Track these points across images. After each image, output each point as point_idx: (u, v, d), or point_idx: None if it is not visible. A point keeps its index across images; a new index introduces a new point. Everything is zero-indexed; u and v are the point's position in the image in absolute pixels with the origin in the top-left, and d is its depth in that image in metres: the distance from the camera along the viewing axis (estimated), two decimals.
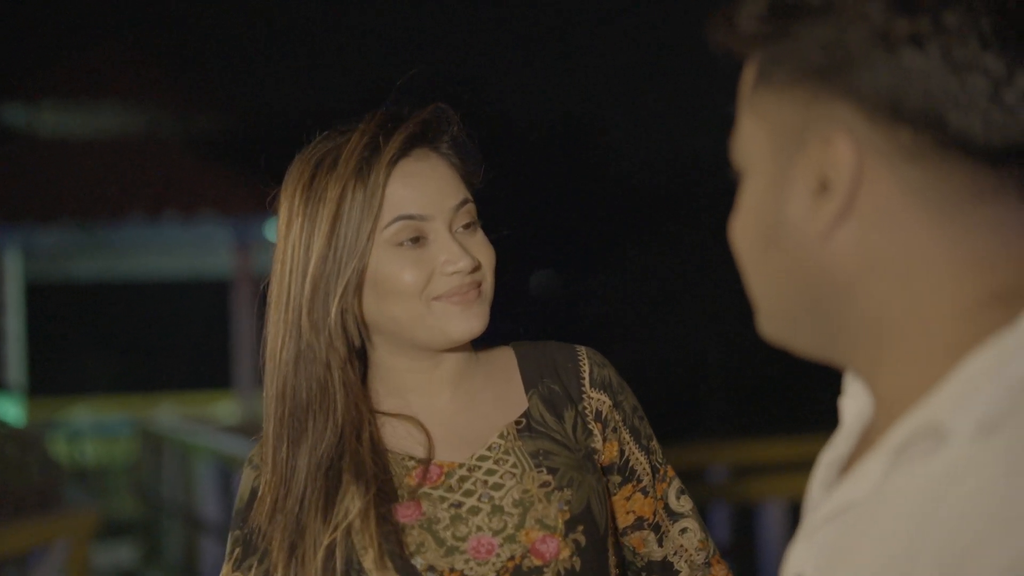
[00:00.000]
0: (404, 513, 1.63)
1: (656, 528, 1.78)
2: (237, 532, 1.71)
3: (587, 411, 1.75)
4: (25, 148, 13.68)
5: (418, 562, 1.61)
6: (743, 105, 0.93)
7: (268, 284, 1.69)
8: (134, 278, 16.38)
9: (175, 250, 14.29)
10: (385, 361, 1.70)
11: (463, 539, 1.63)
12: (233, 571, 1.69)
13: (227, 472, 7.72)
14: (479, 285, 1.67)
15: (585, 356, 1.79)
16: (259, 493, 1.68)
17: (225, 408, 14.44)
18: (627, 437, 1.77)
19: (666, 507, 1.79)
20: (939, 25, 0.83)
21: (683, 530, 1.78)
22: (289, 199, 1.66)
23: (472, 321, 1.65)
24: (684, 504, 1.80)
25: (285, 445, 1.65)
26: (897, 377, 0.87)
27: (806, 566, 0.90)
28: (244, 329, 13.10)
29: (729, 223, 0.95)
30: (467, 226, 1.68)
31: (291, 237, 1.65)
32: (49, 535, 5.32)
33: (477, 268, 1.66)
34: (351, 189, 1.61)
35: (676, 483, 1.81)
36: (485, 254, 1.68)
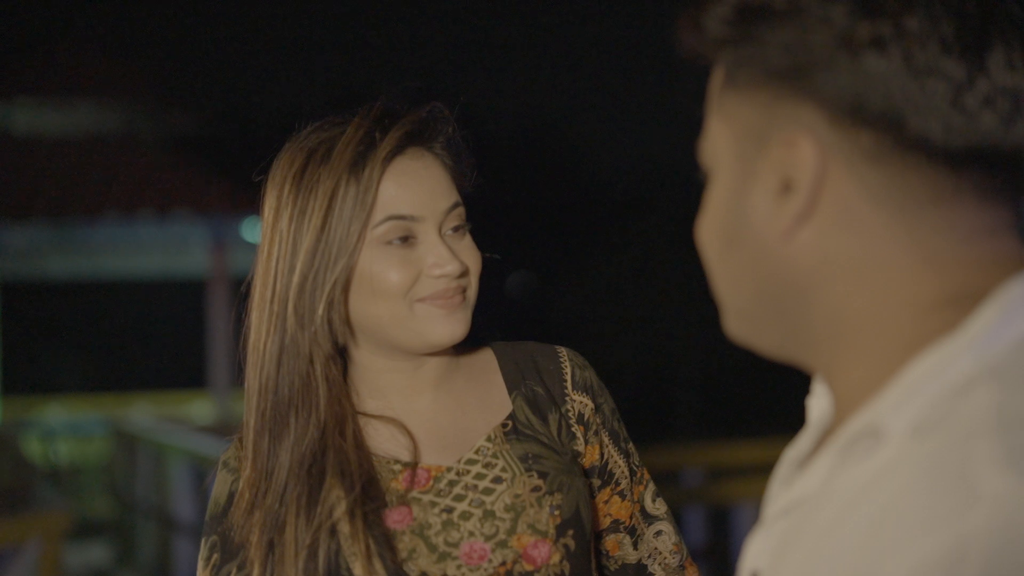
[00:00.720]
0: (394, 518, 1.61)
1: (632, 531, 1.77)
2: (214, 537, 1.66)
3: (570, 414, 1.74)
4: (0, 146, 13.61)
5: (410, 569, 1.59)
6: (710, 107, 0.95)
7: (252, 275, 1.66)
8: (109, 277, 16.30)
9: (150, 249, 14.23)
10: (367, 361, 1.68)
11: (455, 545, 1.61)
12: None
13: (201, 472, 7.70)
14: (464, 291, 1.65)
15: (566, 358, 1.77)
16: (239, 491, 1.64)
17: (200, 408, 14.40)
18: (607, 440, 1.76)
19: (642, 510, 1.78)
20: (900, 30, 0.84)
21: (658, 533, 1.78)
22: (278, 187, 1.63)
23: (454, 326, 1.63)
24: (659, 507, 1.79)
25: (266, 440, 1.62)
26: (852, 376, 0.88)
27: (760, 560, 0.91)
28: (219, 329, 13.06)
29: (696, 223, 0.96)
30: (456, 229, 1.66)
31: (279, 227, 1.62)
32: (21, 535, 5.29)
33: (464, 273, 1.64)
34: (344, 183, 1.59)
35: (651, 486, 1.80)
36: (472, 259, 1.66)
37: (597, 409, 1.75)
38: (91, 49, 14.69)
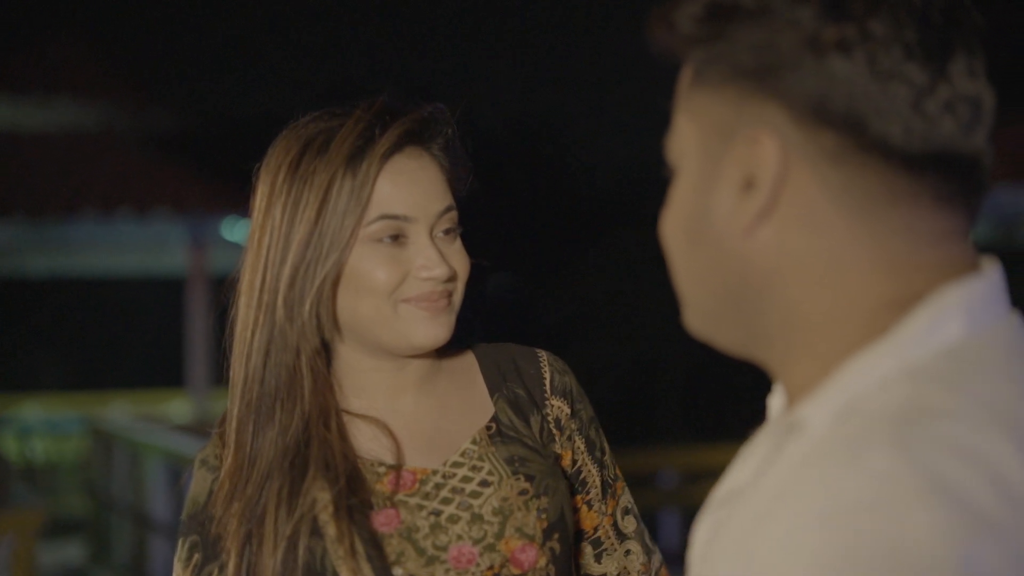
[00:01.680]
0: (381, 521, 1.59)
1: (596, 543, 1.76)
2: (194, 537, 1.64)
3: (549, 417, 1.73)
4: None
5: (398, 572, 1.57)
6: (678, 104, 0.96)
7: (241, 264, 1.64)
8: (87, 275, 16.25)
9: (129, 248, 14.20)
10: (351, 358, 1.66)
11: (443, 548, 1.60)
12: None
13: (177, 471, 7.69)
14: (449, 295, 1.64)
15: (546, 362, 1.76)
16: (219, 481, 1.62)
17: (178, 407, 14.36)
18: (581, 447, 1.75)
19: (614, 524, 1.77)
20: (866, 34, 0.86)
21: (627, 552, 1.77)
22: (273, 174, 1.61)
23: (437, 330, 1.62)
24: (628, 525, 1.78)
25: (250, 430, 1.60)
26: (799, 374, 0.90)
27: (698, 548, 0.94)
28: (198, 328, 13.03)
29: (660, 218, 0.98)
30: (448, 232, 1.64)
31: (272, 215, 1.60)
32: None
33: (452, 278, 1.63)
34: (340, 177, 1.57)
35: (625, 501, 1.78)
36: (461, 264, 1.65)
37: (574, 415, 1.74)
38: (71, 46, 14.65)
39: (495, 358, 1.76)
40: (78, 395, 15.49)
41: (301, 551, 1.55)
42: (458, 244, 1.66)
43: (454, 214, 1.65)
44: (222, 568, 1.60)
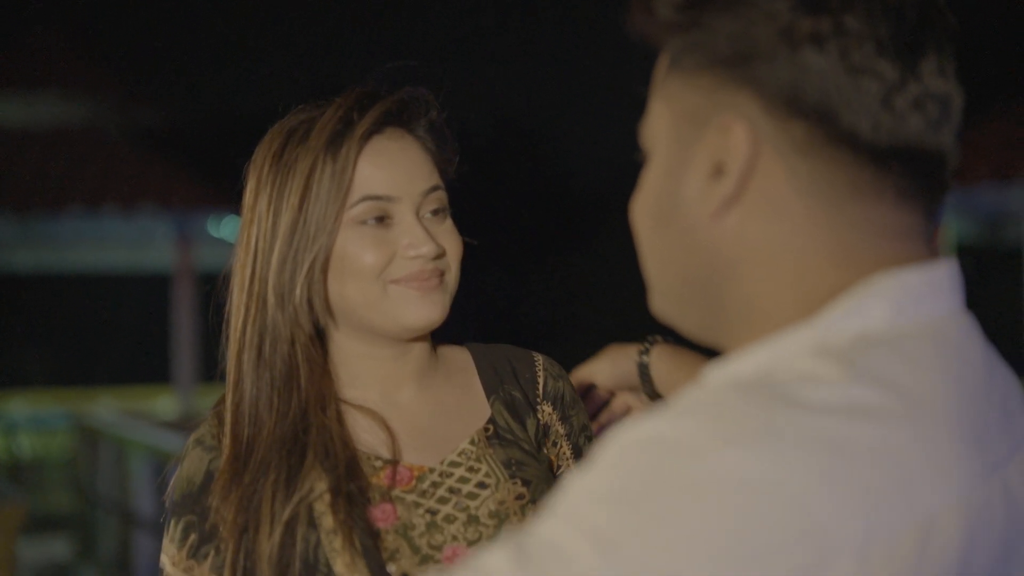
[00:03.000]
0: (378, 516, 1.57)
1: None
2: (190, 517, 1.60)
3: (541, 422, 1.72)
4: None
5: (392, 569, 1.55)
6: (654, 90, 0.98)
7: (233, 261, 1.64)
8: (73, 271, 16.23)
9: (115, 243, 14.18)
10: (347, 345, 1.65)
11: (438, 548, 1.58)
12: (188, 558, 1.59)
13: (162, 468, 7.68)
14: (442, 275, 1.61)
15: (542, 366, 1.75)
16: (218, 470, 1.59)
17: (164, 403, 14.34)
18: (567, 453, 1.73)
19: None
20: (840, 27, 0.88)
21: None
22: (258, 169, 1.61)
23: (430, 309, 1.60)
24: None
25: (247, 420, 1.59)
26: None
27: None
28: (184, 324, 13.02)
29: (630, 202, 1.00)
30: (436, 212, 1.63)
31: (259, 208, 1.60)
32: None
33: (441, 255, 1.61)
34: (321, 162, 1.57)
35: None
36: (451, 243, 1.63)
37: (563, 420, 1.73)
38: (56, 41, 14.62)
39: (491, 359, 1.75)
40: (64, 391, 15.46)
41: (299, 537, 1.53)
42: (448, 224, 1.64)
43: (441, 194, 1.64)
44: (219, 551, 1.58)
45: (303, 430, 1.58)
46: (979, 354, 0.91)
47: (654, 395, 1.85)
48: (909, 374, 0.85)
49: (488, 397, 1.71)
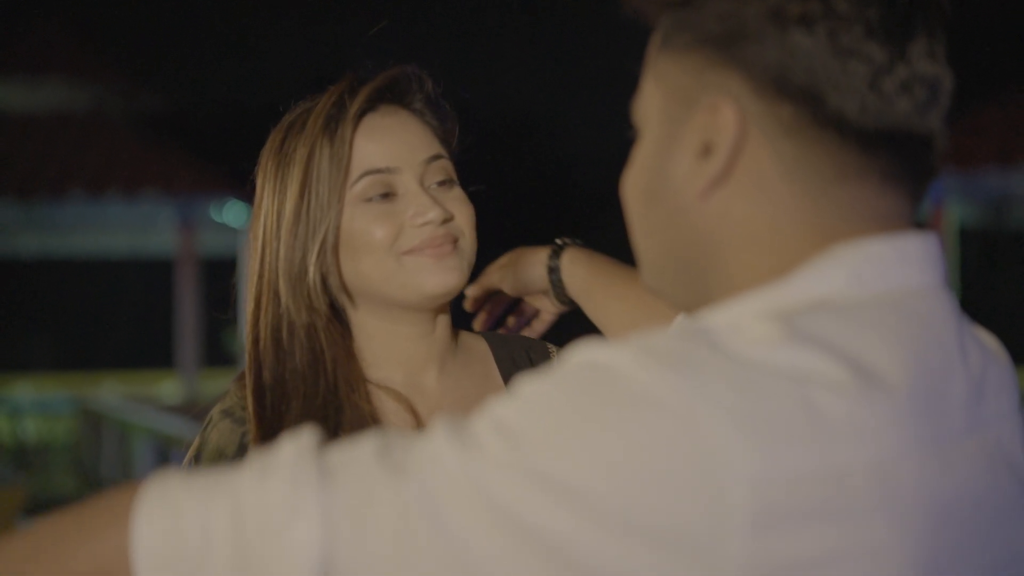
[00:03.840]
0: None
1: None
2: None
3: None
4: None
5: None
6: (646, 68, 0.99)
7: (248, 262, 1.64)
8: (77, 255, 16.24)
9: (118, 228, 14.19)
10: (369, 324, 1.63)
11: None
12: None
13: (165, 452, 7.70)
14: (455, 240, 1.59)
15: (557, 357, 1.75)
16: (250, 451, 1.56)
17: (168, 388, 14.37)
18: None
19: None
20: (829, 9, 0.89)
21: None
22: (263, 169, 1.62)
23: (446, 274, 1.57)
24: None
25: (269, 405, 1.57)
26: None
27: None
28: (187, 309, 13.03)
29: (621, 178, 1.01)
30: (442, 183, 1.61)
31: (264, 204, 1.60)
32: None
33: (449, 219, 1.59)
34: (319, 147, 1.57)
35: None
36: (460, 209, 1.61)
37: None
38: (60, 27, 14.61)
39: (508, 349, 1.75)
40: (69, 375, 15.49)
41: None
42: (456, 192, 1.63)
43: (445, 163, 1.62)
44: None
45: (334, 410, 1.57)
46: (949, 331, 0.91)
47: (565, 300, 1.81)
48: (851, 338, 0.85)
49: (507, 386, 1.70)
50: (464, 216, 1.61)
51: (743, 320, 0.87)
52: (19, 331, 18.28)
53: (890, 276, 0.90)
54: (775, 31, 0.89)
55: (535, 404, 0.83)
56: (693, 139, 0.93)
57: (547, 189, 20.82)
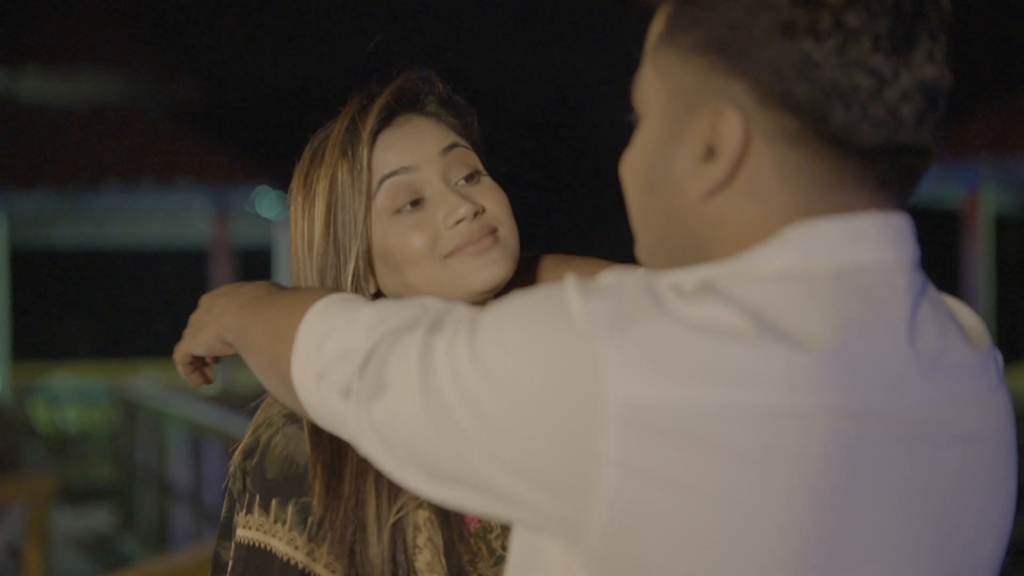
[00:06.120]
0: (468, 519, 1.54)
1: None
2: (306, 499, 1.52)
3: None
4: (6, 115, 13.63)
5: (469, 571, 1.52)
6: (647, 53, 1.00)
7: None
8: (113, 245, 16.33)
9: (153, 217, 14.26)
10: None
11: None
12: (309, 541, 1.52)
13: (199, 441, 7.75)
14: (494, 231, 1.55)
15: None
16: (309, 482, 1.53)
17: None
18: None
19: None
20: (839, 23, 0.90)
21: None
22: (294, 201, 1.61)
23: (492, 267, 1.53)
24: None
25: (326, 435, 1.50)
26: None
27: None
28: None
29: (622, 157, 1.03)
30: (469, 178, 1.58)
31: (296, 239, 1.60)
32: (5, 498, 5.30)
33: (481, 212, 1.55)
34: (340, 172, 1.56)
35: None
36: (492, 199, 1.57)
37: None
38: (95, 18, 14.68)
39: None
40: (107, 363, 15.58)
41: (409, 533, 1.51)
42: (485, 182, 1.60)
43: (462, 152, 1.60)
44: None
45: None
46: (898, 307, 0.92)
47: None
48: (767, 300, 0.89)
49: None
50: (497, 204, 1.58)
51: (686, 282, 0.91)
52: (58, 320, 18.41)
53: (841, 253, 0.92)
54: (784, 42, 0.90)
55: (509, 303, 0.96)
56: (696, 141, 0.94)
57: (585, 170, 20.79)
